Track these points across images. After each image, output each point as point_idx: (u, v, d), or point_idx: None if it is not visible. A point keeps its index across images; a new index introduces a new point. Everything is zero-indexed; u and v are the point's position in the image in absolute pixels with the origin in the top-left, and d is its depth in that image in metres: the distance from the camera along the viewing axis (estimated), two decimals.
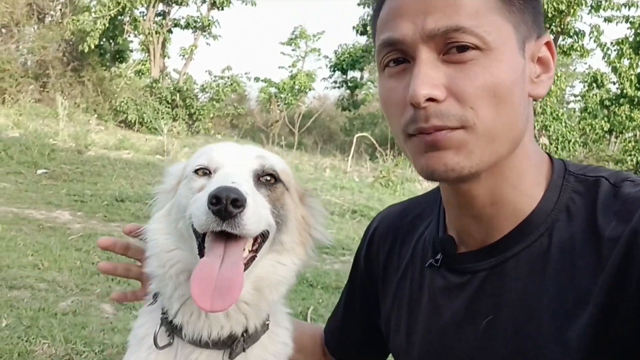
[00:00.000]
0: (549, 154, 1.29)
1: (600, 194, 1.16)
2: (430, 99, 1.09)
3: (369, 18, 27.35)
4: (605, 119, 21.19)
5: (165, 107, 23.34)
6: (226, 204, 1.24)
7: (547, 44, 1.21)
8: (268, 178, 1.47)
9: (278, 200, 1.48)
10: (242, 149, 1.52)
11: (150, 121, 21.67)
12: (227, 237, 1.32)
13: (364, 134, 19.82)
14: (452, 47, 1.09)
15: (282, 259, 1.49)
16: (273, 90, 30.02)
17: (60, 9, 24.32)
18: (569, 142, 18.06)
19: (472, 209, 1.23)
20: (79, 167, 11.90)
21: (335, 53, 31.32)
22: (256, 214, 1.32)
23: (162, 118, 21.56)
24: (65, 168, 11.59)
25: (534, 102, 1.26)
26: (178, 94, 23.82)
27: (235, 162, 1.45)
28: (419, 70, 1.10)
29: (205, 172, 1.45)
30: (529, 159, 1.21)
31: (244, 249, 1.36)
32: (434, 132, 1.11)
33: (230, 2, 26.44)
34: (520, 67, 1.14)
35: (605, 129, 21.10)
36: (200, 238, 1.37)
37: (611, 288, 1.05)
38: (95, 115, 20.63)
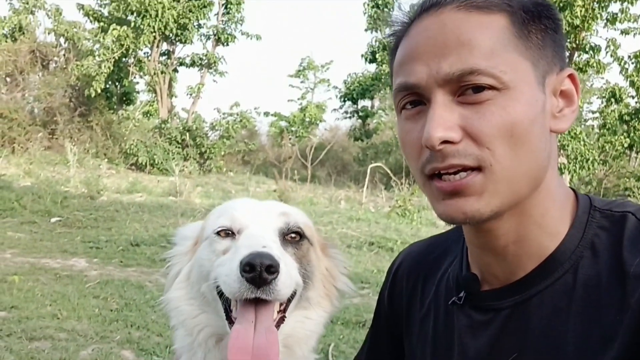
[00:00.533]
0: (574, 190, 1.29)
1: (627, 229, 1.16)
2: (446, 142, 1.11)
3: (377, 44, 27.81)
4: (625, 134, 21.00)
5: (176, 147, 23.57)
6: (260, 271, 1.25)
7: (570, 76, 1.20)
8: (293, 235, 1.48)
9: (304, 257, 1.49)
10: (264, 206, 1.53)
11: (161, 162, 21.87)
12: (256, 301, 1.32)
13: (377, 163, 19.91)
14: (468, 88, 1.11)
15: (309, 314, 1.50)
16: (283, 124, 30.25)
17: (64, 55, 24.76)
18: (587, 160, 17.92)
19: (494, 248, 1.24)
20: (92, 213, 12.07)
21: (345, 83, 31.54)
22: (288, 277, 1.33)
23: (173, 159, 21.79)
24: (78, 215, 11.76)
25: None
26: (188, 134, 24.06)
27: (260, 222, 1.45)
28: (433, 113, 1.12)
29: (227, 232, 1.45)
30: (552, 196, 1.21)
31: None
32: (451, 179, 1.13)
33: (235, 38, 26.81)
34: (539, 103, 1.14)
35: (625, 144, 20.91)
36: (226, 301, 1.38)
37: (637, 325, 1.06)
38: (106, 160, 20.94)
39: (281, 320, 1.39)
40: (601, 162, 20.22)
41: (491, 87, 1.10)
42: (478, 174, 1.12)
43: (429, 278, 1.49)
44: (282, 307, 1.40)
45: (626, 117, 21.17)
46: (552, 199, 1.21)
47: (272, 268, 1.26)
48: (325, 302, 1.54)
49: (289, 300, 1.41)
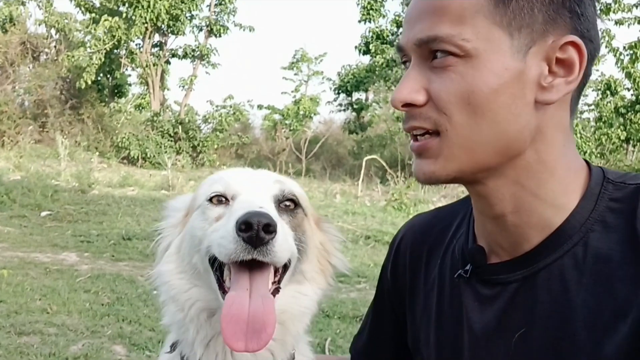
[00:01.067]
0: (587, 162, 1.28)
1: None
2: (409, 104, 1.17)
3: (370, 35, 27.75)
4: (622, 127, 21.03)
5: (168, 140, 23.54)
6: (258, 230, 1.21)
7: (573, 44, 1.14)
8: (288, 203, 1.46)
9: (299, 227, 1.46)
10: (258, 174, 1.51)
11: (154, 156, 21.85)
12: (250, 268, 1.29)
13: (373, 156, 19.87)
14: (437, 52, 1.15)
15: (304, 289, 1.46)
16: (277, 117, 30.20)
17: (55, 46, 24.72)
18: (585, 153, 17.94)
19: (494, 216, 1.24)
20: (83, 207, 12.01)
21: (339, 75, 31.52)
22: (285, 240, 1.30)
23: (166, 152, 21.74)
24: (69, 209, 11.70)
25: None
26: (180, 127, 24.03)
27: (254, 188, 1.43)
28: (404, 75, 1.20)
29: (220, 200, 1.42)
30: (549, 168, 1.19)
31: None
32: (418, 140, 1.19)
33: (227, 29, 26.74)
34: (510, 73, 1.12)
35: (622, 137, 20.93)
36: (219, 271, 1.34)
37: None
38: (97, 153, 20.85)
39: (276, 290, 1.35)
40: (598, 155, 20.27)
41: (454, 54, 1.12)
42: (435, 138, 1.16)
43: (434, 250, 1.48)
44: (276, 278, 1.36)
45: (622, 110, 21.21)
46: (548, 171, 1.19)
47: (270, 227, 1.22)
48: (319, 277, 1.51)
49: (284, 271, 1.37)
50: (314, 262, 1.49)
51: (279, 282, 1.36)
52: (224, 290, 1.33)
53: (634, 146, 22.38)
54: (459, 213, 1.48)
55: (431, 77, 1.16)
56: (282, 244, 1.27)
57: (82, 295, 6.62)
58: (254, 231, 1.22)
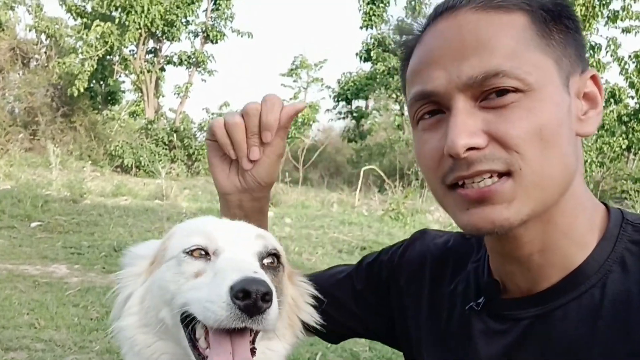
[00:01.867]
0: (605, 203, 1.27)
1: None
2: (471, 148, 1.10)
3: (372, 42, 27.82)
4: (624, 135, 21.18)
5: (163, 148, 23.54)
6: (256, 299, 1.17)
7: (593, 77, 1.19)
8: (270, 260, 1.41)
9: (279, 285, 1.41)
10: (239, 227, 1.45)
11: (148, 164, 21.83)
12: (231, 331, 1.25)
13: (371, 166, 19.92)
14: (491, 92, 1.10)
15: (273, 345, 1.43)
16: None
17: (46, 52, 24.72)
18: (585, 162, 17.99)
19: (519, 257, 1.21)
20: (74, 218, 12.02)
21: (339, 82, 31.52)
22: (276, 306, 1.25)
23: (160, 160, 21.75)
24: (60, 219, 11.71)
25: None
26: (175, 135, 24.03)
27: (239, 244, 1.38)
28: (455, 119, 1.11)
29: (201, 253, 1.36)
30: (580, 203, 1.19)
31: None
32: (478, 186, 1.11)
33: (224, 35, 26.79)
34: (565, 104, 1.13)
35: (624, 146, 21.08)
36: (191, 330, 1.30)
37: None
38: (90, 162, 20.87)
39: (252, 352, 1.30)
40: (599, 164, 20.35)
41: (515, 90, 1.09)
42: (507, 179, 1.10)
43: (446, 276, 1.46)
44: (251, 338, 1.31)
45: (625, 118, 21.37)
46: (581, 207, 1.20)
47: (267, 296, 1.19)
48: (289, 333, 1.48)
49: (257, 331, 1.32)
50: (285, 318, 1.46)
51: (254, 342, 1.32)
52: (198, 351, 1.29)
53: (635, 154, 22.47)
54: (475, 242, 1.47)
55: (487, 118, 1.11)
56: (275, 311, 1.24)
57: (71, 309, 6.65)
58: (252, 300, 1.17)
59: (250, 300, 1.17)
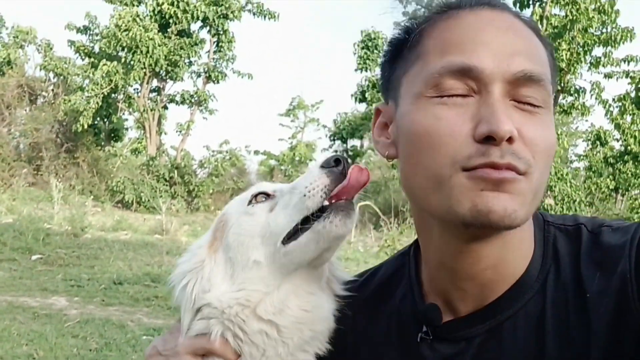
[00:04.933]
0: None
1: (583, 243, 1.17)
2: (509, 138, 1.06)
3: (366, 84, 28.10)
4: (611, 177, 21.43)
5: (163, 185, 23.53)
6: (346, 159, 1.26)
7: None
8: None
9: None
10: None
11: (148, 200, 21.80)
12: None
13: (366, 202, 19.91)
14: (526, 102, 1.10)
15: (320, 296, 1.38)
16: (273, 162, 30.31)
17: (53, 90, 24.86)
18: (574, 201, 18.14)
19: (473, 273, 1.19)
20: (75, 251, 11.94)
21: (335, 122, 31.77)
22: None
23: (161, 196, 21.70)
24: (60, 252, 11.63)
25: None
26: (176, 171, 24.05)
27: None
28: (498, 105, 1.07)
29: (264, 197, 1.36)
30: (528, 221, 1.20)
31: None
32: (504, 170, 1.06)
33: (225, 76, 27.00)
34: None
35: (611, 187, 21.31)
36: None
37: (607, 344, 1.07)
38: (92, 197, 20.80)
39: None
40: (588, 204, 20.48)
41: (539, 105, 1.12)
42: (523, 178, 1.08)
43: (372, 315, 1.38)
44: None
45: (611, 160, 21.65)
46: (528, 224, 1.20)
47: (343, 157, 1.26)
48: (327, 288, 1.43)
49: None
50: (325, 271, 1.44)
51: None
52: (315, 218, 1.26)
53: (622, 195, 22.71)
54: (395, 274, 1.41)
55: (517, 118, 1.08)
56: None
57: (70, 340, 6.55)
58: (342, 163, 1.25)
59: (341, 164, 1.25)
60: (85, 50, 24.92)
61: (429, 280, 1.30)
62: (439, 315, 1.25)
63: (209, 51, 27.11)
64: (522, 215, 1.08)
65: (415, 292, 1.32)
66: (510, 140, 1.06)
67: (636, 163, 20.62)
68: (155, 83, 26.74)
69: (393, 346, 1.32)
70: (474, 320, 1.21)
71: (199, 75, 27.37)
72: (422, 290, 1.31)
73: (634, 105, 19.89)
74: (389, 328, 1.34)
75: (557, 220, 1.24)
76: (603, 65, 19.34)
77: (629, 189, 21.38)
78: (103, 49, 24.23)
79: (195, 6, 24.57)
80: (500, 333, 1.18)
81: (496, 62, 1.09)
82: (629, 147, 20.40)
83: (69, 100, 22.63)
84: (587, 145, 23.71)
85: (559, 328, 1.13)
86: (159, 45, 23.53)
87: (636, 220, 19.51)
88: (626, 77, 19.76)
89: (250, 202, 1.35)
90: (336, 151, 32.11)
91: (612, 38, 18.14)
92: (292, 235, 1.27)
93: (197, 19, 25.03)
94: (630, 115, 20.11)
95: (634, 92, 20.00)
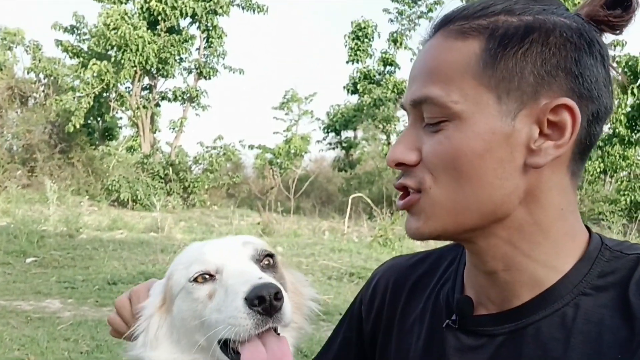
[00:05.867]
0: (588, 228, 1.26)
1: (637, 271, 1.14)
2: (402, 163, 1.18)
3: (358, 75, 28.09)
4: (599, 159, 21.59)
5: (159, 182, 23.53)
6: (270, 300, 1.26)
7: (566, 107, 1.09)
8: (267, 262, 1.48)
9: (281, 279, 1.48)
10: (227, 242, 1.50)
11: (144, 198, 21.79)
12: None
13: (359, 194, 19.93)
14: (426, 123, 1.15)
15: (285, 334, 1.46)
16: (269, 156, 30.29)
17: (44, 91, 24.80)
18: None
19: (485, 271, 1.23)
20: (69, 252, 11.91)
21: (328, 114, 31.75)
22: (288, 300, 1.34)
23: (156, 194, 21.70)
24: (55, 254, 11.60)
25: None
26: (171, 168, 24.05)
27: (235, 257, 1.44)
28: (400, 135, 1.21)
29: (205, 277, 1.42)
30: (544, 231, 1.17)
31: None
32: (401, 197, 1.20)
33: (217, 72, 26.96)
34: (498, 137, 1.10)
35: (600, 169, 21.54)
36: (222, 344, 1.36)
37: None
38: (87, 197, 20.79)
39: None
40: (577, 186, 20.65)
41: (443, 117, 1.12)
42: (418, 194, 1.17)
43: (415, 295, 1.44)
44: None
45: (600, 143, 21.63)
46: (543, 233, 1.17)
47: (279, 294, 1.29)
48: (297, 317, 1.52)
49: None
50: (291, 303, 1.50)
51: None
52: (233, 350, 1.36)
53: (611, 177, 22.86)
54: (446, 259, 1.45)
55: (424, 138, 1.16)
56: (288, 304, 1.33)
57: (62, 343, 6.55)
58: (267, 302, 1.27)
59: (266, 303, 1.26)
60: (73, 50, 24.82)
61: (467, 274, 1.34)
62: (471, 308, 1.29)
63: (199, 47, 27.07)
64: (427, 230, 1.19)
65: (457, 282, 1.37)
66: (400, 165, 1.18)
67: (623, 146, 20.82)
68: (146, 81, 26.74)
69: (423, 325, 1.38)
70: (499, 320, 1.23)
71: (190, 72, 27.37)
72: (462, 282, 1.35)
73: (619, 89, 19.93)
74: (425, 308, 1.41)
75: (615, 246, 1.21)
76: None
77: (617, 171, 21.64)
78: (92, 48, 24.18)
79: (183, 2, 24.52)
80: (522, 337, 1.19)
81: (406, 95, 1.21)
82: (616, 130, 20.58)
83: (60, 100, 22.58)
84: None
85: (589, 342, 1.12)
86: (149, 43, 23.49)
87: (623, 201, 19.64)
88: (612, 61, 19.80)
89: (192, 280, 1.42)
90: (330, 143, 32.03)
91: None
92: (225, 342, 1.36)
93: (186, 15, 24.98)
94: (617, 99, 20.19)
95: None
